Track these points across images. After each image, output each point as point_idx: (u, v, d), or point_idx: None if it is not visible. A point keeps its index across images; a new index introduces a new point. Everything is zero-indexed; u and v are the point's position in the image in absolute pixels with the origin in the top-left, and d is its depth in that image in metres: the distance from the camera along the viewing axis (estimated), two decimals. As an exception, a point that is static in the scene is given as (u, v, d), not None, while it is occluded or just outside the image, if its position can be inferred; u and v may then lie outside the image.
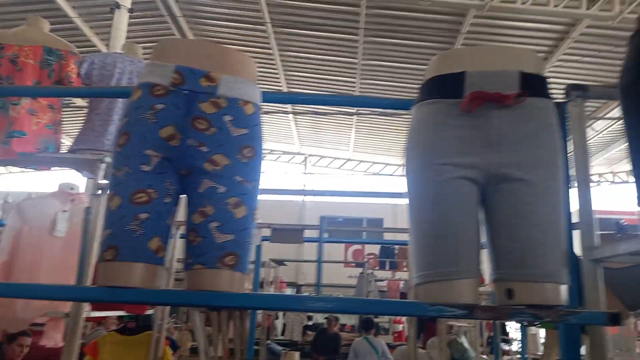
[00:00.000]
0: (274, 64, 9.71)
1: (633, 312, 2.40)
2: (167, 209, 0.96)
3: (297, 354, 6.69)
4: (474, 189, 0.96)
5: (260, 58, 9.70)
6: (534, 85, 0.99)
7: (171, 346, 3.72)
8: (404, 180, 1.03)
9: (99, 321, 4.79)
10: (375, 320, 8.21)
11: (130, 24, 7.22)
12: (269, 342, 7.87)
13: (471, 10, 7.34)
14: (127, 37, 7.30)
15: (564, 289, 0.92)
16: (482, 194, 0.97)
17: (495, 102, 0.94)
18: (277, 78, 10.24)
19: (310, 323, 11.88)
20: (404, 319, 7.03)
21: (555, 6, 6.79)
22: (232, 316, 7.76)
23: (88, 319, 2.85)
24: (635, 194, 0.98)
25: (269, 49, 9.18)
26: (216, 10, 8.41)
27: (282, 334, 10.53)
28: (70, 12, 7.75)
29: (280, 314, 10.37)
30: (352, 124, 12.48)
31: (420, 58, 8.80)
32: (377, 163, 15.23)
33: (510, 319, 0.86)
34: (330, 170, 15.66)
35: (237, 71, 1.01)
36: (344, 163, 15.62)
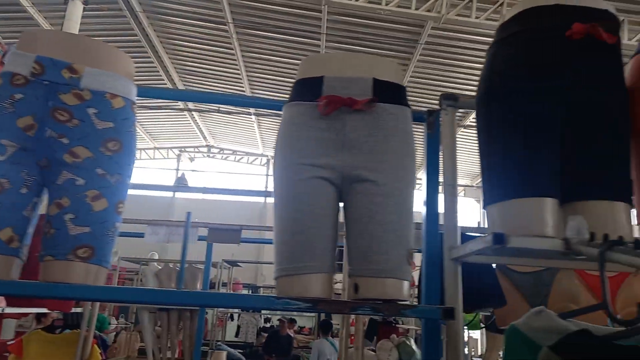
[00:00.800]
0: (236, 65, 9.67)
1: None
2: (24, 200, 0.95)
3: (224, 354, 6.69)
4: (331, 189, 1.01)
5: (222, 58, 9.65)
6: (387, 92, 1.04)
7: (100, 345, 3.64)
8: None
9: (40, 319, 4.64)
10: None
11: (85, 17, 7.06)
12: (219, 343, 7.80)
13: (429, 21, 7.54)
14: (82, 30, 7.13)
15: (405, 284, 0.97)
16: (339, 194, 1.02)
17: (348, 107, 0.99)
18: (240, 79, 10.20)
19: (267, 325, 11.82)
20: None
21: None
22: (182, 317, 7.60)
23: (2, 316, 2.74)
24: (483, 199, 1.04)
25: (231, 49, 9.14)
26: (177, 7, 8.32)
27: (237, 335, 10.44)
28: (24, 1, 7.51)
29: (235, 316, 10.29)
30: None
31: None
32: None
33: (351, 312, 0.90)
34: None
35: (105, 64, 1.02)
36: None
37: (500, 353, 4.99)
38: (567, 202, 1.00)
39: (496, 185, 0.99)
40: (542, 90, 0.97)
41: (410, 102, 1.12)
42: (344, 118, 1.00)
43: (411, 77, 9.05)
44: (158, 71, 10.12)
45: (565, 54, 0.98)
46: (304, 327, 12.01)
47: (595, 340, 0.70)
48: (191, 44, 9.38)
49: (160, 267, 6.95)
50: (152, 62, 9.77)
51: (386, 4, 7.21)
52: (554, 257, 1.01)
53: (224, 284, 7.73)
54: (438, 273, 1.17)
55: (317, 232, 0.97)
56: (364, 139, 1.00)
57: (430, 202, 1.20)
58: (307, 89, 1.04)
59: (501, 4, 7.10)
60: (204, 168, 15.27)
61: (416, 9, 7.16)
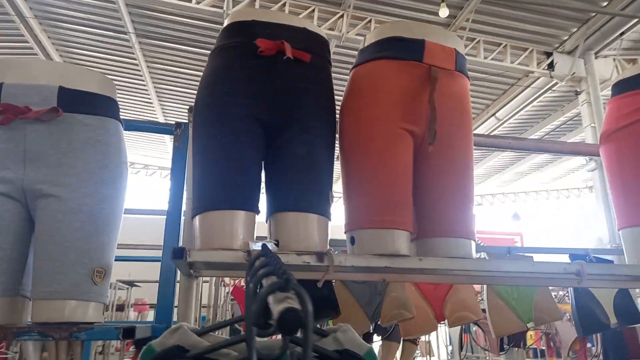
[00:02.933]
0: (141, 76, 9.33)
1: (373, 323, 2.56)
2: None
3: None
4: (13, 206, 0.94)
5: (124, 68, 9.27)
6: (80, 102, 0.99)
7: None
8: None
9: None
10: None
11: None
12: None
13: (332, 40, 7.73)
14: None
15: (90, 305, 0.92)
16: (26, 212, 0.96)
17: (24, 116, 0.93)
18: (146, 91, 9.85)
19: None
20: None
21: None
22: (72, 344, 7.09)
23: None
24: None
25: (134, 59, 8.80)
26: (73, 14, 7.89)
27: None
28: None
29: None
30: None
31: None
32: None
33: (15, 338, 0.83)
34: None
35: None
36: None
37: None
38: (270, 214, 1.01)
39: (196, 197, 0.98)
40: (235, 105, 0.98)
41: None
42: (24, 128, 0.94)
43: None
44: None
45: (257, 69, 1.00)
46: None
47: (183, 355, 0.68)
48: (91, 53, 8.92)
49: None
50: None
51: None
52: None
53: (119, 306, 7.28)
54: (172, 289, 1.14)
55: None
56: (49, 151, 0.95)
57: (172, 216, 1.17)
58: None
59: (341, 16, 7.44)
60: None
61: (318, 26, 7.33)
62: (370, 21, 7.42)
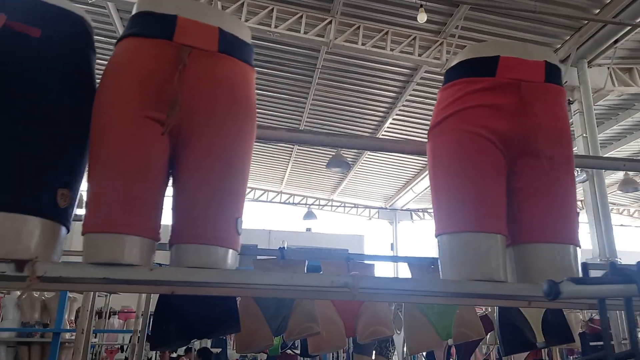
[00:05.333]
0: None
1: (277, 336, 2.40)
2: None
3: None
4: None
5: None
6: None
7: None
8: None
9: None
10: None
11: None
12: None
13: (322, 47, 7.64)
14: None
15: None
16: None
17: None
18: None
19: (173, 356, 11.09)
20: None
21: (392, 50, 7.27)
22: (45, 350, 7.00)
23: None
24: None
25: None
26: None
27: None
28: None
29: (125, 347, 9.63)
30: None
31: (284, 88, 9.01)
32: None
33: None
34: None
35: None
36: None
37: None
38: None
39: None
40: None
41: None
42: None
43: (313, 99, 9.15)
44: None
45: None
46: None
47: None
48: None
49: (24, 296, 6.39)
50: None
51: (275, 27, 7.25)
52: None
53: (98, 313, 7.21)
54: None
55: None
56: None
57: None
58: None
59: (386, 33, 7.33)
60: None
61: (305, 33, 7.24)
62: (358, 28, 7.31)
